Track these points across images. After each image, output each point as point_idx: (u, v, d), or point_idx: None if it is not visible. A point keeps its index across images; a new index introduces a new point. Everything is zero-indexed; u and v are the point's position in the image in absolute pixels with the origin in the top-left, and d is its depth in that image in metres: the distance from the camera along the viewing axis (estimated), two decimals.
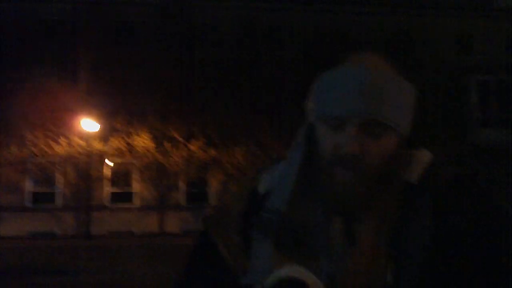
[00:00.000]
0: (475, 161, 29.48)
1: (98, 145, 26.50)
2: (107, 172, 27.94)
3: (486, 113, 32.17)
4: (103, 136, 26.86)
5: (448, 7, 33.14)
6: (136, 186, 28.54)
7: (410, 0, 32.86)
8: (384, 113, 1.29)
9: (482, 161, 30.25)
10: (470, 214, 1.29)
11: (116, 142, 27.03)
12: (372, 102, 1.28)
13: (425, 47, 31.47)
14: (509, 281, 1.26)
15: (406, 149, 1.39)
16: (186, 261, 1.53)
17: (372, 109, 1.28)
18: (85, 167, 25.77)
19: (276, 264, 1.32)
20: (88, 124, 24.89)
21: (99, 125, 25.79)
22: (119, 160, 27.85)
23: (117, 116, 27.24)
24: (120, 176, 28.29)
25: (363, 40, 30.50)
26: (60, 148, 26.27)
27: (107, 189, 28.27)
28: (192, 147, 27.14)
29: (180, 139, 27.18)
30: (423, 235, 1.27)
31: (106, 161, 27.51)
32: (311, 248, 1.33)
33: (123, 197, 28.36)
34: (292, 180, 1.38)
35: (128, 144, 27.12)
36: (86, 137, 25.47)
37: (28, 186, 27.56)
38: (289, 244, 1.34)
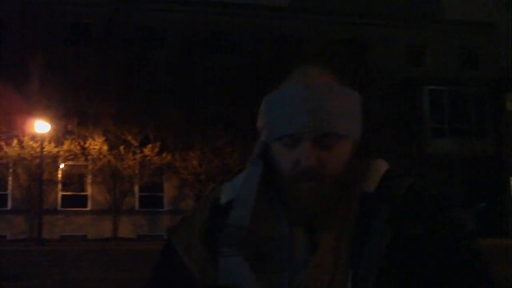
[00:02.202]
0: (427, 170, 29.96)
1: (51, 148, 26.15)
2: (60, 175, 27.59)
3: (438, 122, 32.72)
4: (57, 139, 26.53)
5: (400, 18, 33.70)
6: (90, 189, 28.24)
7: (363, 10, 33.32)
8: (334, 125, 1.34)
9: (434, 170, 30.76)
10: (425, 222, 1.33)
11: (69, 145, 26.71)
12: (321, 116, 1.33)
13: (378, 57, 31.92)
14: (463, 285, 1.30)
15: (362, 158, 1.45)
16: (151, 271, 1.53)
17: (323, 123, 1.33)
18: (37, 169, 25.38)
19: (252, 279, 1.35)
20: (41, 126, 24.50)
21: (53, 127, 25.43)
22: (72, 163, 27.54)
23: (71, 119, 26.95)
24: (74, 179, 27.96)
25: (316, 49, 30.80)
26: (12, 150, 25.85)
27: (60, 193, 27.92)
28: (146, 152, 27.00)
29: (135, 143, 27.02)
30: (381, 243, 1.30)
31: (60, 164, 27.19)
32: (276, 261, 1.36)
33: (76, 200, 28.03)
34: (252, 196, 1.42)
35: (82, 147, 26.83)
36: (39, 139, 25.08)
37: None
38: (254, 258, 1.37)
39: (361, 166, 1.44)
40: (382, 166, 1.45)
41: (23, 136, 25.97)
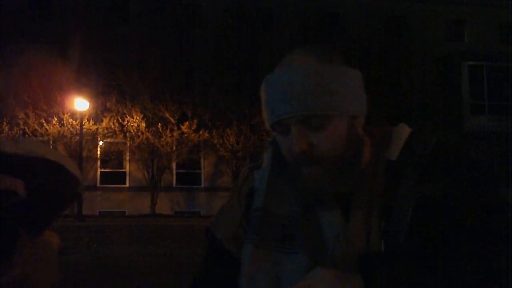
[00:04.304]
0: (466, 147, 29.55)
1: (90, 125, 26.46)
2: (99, 152, 27.91)
3: (477, 99, 32.21)
4: (96, 116, 26.81)
5: None
6: (128, 166, 28.54)
7: None
8: (317, 105, 1.31)
9: (473, 148, 30.35)
10: (445, 182, 1.32)
11: (108, 122, 26.98)
12: (301, 99, 1.31)
13: (417, 32, 31.46)
14: (487, 241, 1.30)
15: (383, 127, 1.46)
16: (199, 268, 1.58)
17: (304, 106, 1.31)
18: (77, 146, 25.71)
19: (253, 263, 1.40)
20: (81, 104, 24.77)
21: (92, 105, 25.69)
22: (111, 140, 27.83)
23: (110, 96, 27.17)
24: (112, 156, 28.29)
25: (355, 24, 30.50)
26: (52, 127, 26.20)
27: (99, 169, 28.27)
28: (184, 129, 27.13)
29: (172, 120, 27.16)
30: (407, 208, 1.31)
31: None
32: (298, 241, 1.40)
33: (115, 177, 28.37)
34: (265, 179, 1.47)
35: (120, 124, 27.07)
36: (79, 117, 25.39)
37: None
38: (273, 238, 1.41)
39: (383, 134, 1.45)
40: (404, 132, 1.44)
41: (63, 113, 26.29)
